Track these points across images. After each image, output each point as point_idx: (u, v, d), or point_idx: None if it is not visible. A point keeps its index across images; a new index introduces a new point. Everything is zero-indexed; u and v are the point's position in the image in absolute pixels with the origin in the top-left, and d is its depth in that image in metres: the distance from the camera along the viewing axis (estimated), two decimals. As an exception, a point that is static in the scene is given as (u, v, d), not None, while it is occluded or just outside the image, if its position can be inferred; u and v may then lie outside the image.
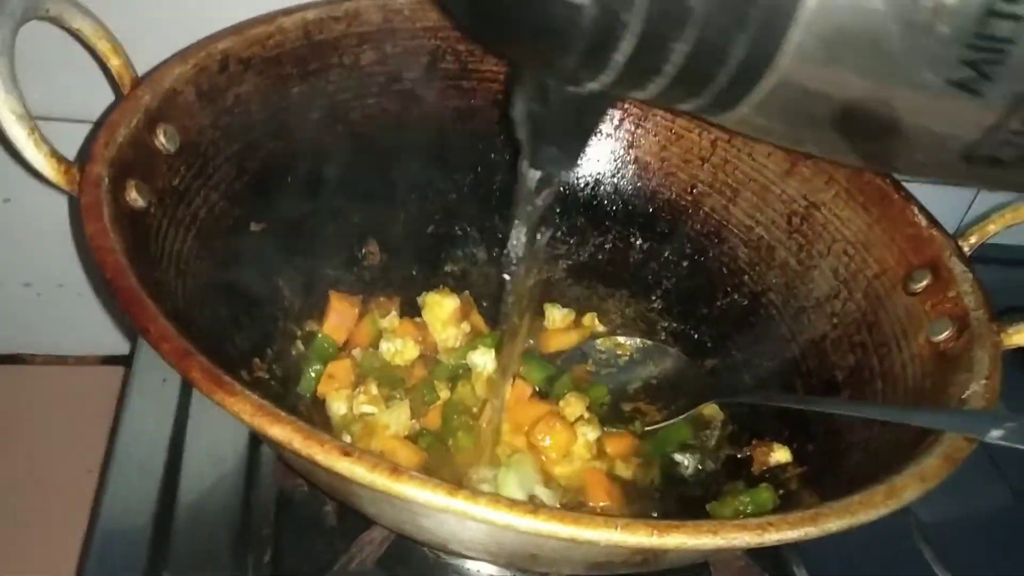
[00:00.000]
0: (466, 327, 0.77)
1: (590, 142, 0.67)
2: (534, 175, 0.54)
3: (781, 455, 0.67)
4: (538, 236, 0.59)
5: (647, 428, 0.72)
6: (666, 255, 0.83)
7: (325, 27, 0.72)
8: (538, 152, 0.51)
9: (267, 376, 0.65)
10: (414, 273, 0.81)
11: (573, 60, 0.39)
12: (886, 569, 0.73)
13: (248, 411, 0.43)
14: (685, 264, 0.83)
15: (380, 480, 0.41)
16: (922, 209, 0.70)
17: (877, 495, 0.47)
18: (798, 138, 0.47)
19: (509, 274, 0.61)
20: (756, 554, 0.70)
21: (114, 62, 0.61)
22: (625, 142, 0.83)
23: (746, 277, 0.79)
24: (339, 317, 0.71)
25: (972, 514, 0.79)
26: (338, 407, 0.67)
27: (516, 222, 0.58)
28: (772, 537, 0.43)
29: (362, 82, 0.76)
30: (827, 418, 0.66)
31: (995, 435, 0.49)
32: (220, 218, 0.66)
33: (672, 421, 0.72)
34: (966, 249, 0.68)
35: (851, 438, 0.64)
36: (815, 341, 0.73)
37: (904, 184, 0.71)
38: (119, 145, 0.56)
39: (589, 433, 0.67)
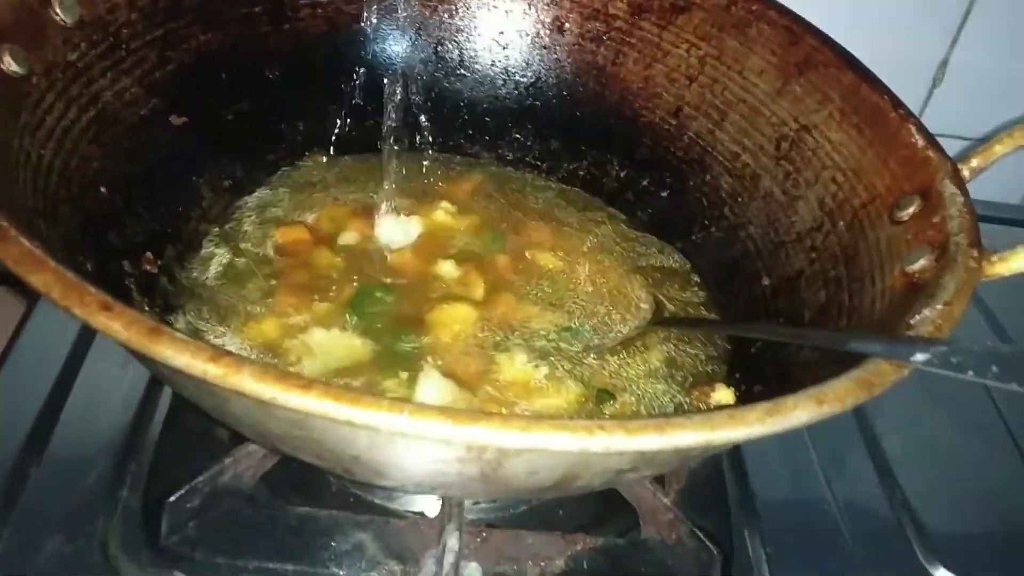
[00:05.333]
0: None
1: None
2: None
3: (723, 396, 0.59)
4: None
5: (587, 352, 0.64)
6: (644, 184, 0.75)
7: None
8: None
9: (156, 271, 0.60)
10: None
11: None
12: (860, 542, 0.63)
13: (13, 257, 0.38)
14: (664, 195, 0.75)
15: (137, 339, 0.36)
16: (921, 129, 0.60)
17: (753, 412, 0.38)
18: None
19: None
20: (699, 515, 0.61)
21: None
22: (608, 60, 0.75)
23: (726, 209, 0.71)
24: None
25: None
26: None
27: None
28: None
29: (316, -22, 0.71)
30: (783, 360, 0.58)
31: (920, 359, 0.41)
32: (131, 104, 0.62)
33: (609, 346, 0.64)
34: (966, 173, 0.58)
35: (803, 380, 0.55)
36: (789, 279, 0.64)
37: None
38: (-9, 4, 0.52)
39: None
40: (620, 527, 0.61)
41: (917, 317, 0.46)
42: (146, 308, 0.57)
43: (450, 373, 0.58)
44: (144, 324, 0.36)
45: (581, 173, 0.78)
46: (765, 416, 0.38)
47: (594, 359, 0.62)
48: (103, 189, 0.58)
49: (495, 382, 0.58)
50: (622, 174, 0.76)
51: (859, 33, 0.66)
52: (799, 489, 0.66)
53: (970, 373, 0.39)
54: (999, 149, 0.58)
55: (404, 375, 0.58)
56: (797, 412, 0.39)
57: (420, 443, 0.38)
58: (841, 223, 0.62)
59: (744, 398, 0.59)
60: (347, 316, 0.61)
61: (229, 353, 0.36)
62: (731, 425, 0.38)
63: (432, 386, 0.56)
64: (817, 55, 0.66)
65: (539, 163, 0.78)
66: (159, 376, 0.49)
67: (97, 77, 0.59)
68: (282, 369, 0.37)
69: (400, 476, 0.44)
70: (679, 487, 0.63)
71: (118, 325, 0.36)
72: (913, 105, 0.88)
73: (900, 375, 0.42)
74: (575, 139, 0.77)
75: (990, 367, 0.39)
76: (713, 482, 0.64)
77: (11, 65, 0.53)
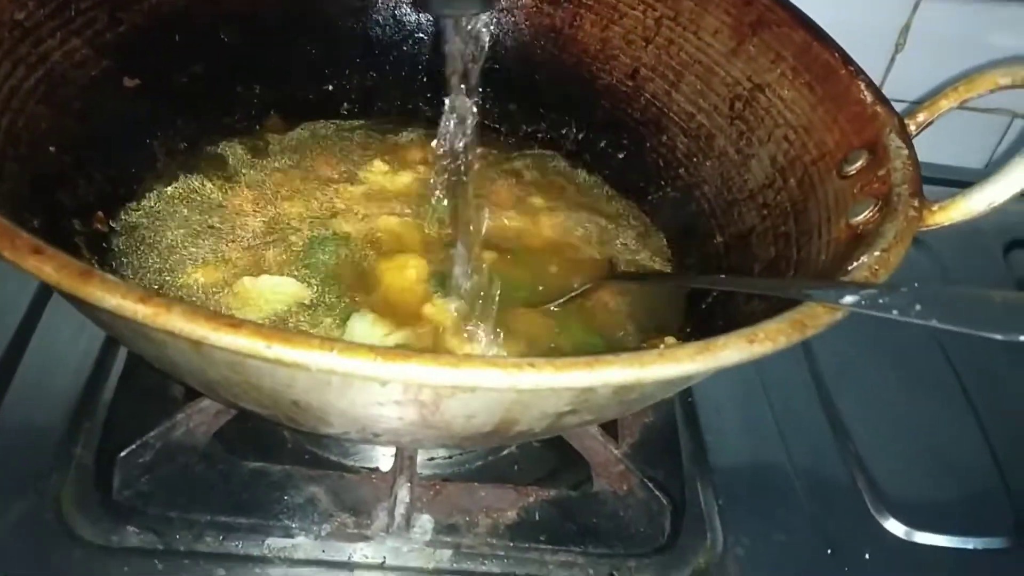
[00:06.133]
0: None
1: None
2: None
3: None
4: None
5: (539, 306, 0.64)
6: (601, 146, 0.76)
7: None
8: None
9: (108, 231, 0.60)
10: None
11: None
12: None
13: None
14: (621, 156, 0.75)
15: (67, 281, 0.36)
16: (870, 85, 0.61)
17: (684, 350, 0.39)
18: None
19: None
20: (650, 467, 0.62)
21: None
22: (565, 22, 0.75)
23: (681, 170, 0.71)
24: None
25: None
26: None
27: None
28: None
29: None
30: (732, 313, 0.59)
31: (849, 300, 0.41)
32: (81, 65, 0.62)
33: (560, 301, 0.64)
34: (912, 128, 0.59)
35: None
36: (741, 235, 0.65)
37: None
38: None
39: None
40: (573, 480, 0.62)
41: (855, 264, 0.47)
42: (95, 266, 0.57)
43: (389, 317, 0.58)
44: (75, 267, 0.37)
45: (539, 136, 0.78)
46: (695, 354, 0.39)
47: (545, 315, 0.63)
48: (52, 149, 0.58)
49: (441, 335, 0.59)
50: (580, 136, 0.77)
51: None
52: (752, 442, 0.66)
53: (895, 312, 0.39)
54: (944, 104, 0.59)
55: (339, 318, 0.58)
56: (727, 351, 0.39)
57: (356, 384, 0.39)
58: (792, 179, 0.62)
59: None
60: (296, 266, 0.62)
61: (160, 294, 0.36)
62: (661, 362, 0.38)
63: (364, 325, 0.56)
64: (770, 14, 0.66)
65: (497, 126, 0.79)
66: (100, 325, 0.49)
67: (46, 37, 0.59)
68: (212, 309, 0.37)
69: (342, 422, 0.44)
70: (632, 440, 0.63)
71: (49, 268, 0.37)
72: (875, 71, 0.89)
73: (833, 317, 0.42)
74: (533, 102, 0.78)
75: (914, 306, 0.39)
76: (666, 435, 0.65)
77: (-46, 22, 0.53)
